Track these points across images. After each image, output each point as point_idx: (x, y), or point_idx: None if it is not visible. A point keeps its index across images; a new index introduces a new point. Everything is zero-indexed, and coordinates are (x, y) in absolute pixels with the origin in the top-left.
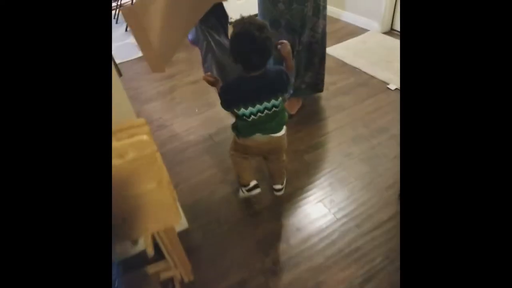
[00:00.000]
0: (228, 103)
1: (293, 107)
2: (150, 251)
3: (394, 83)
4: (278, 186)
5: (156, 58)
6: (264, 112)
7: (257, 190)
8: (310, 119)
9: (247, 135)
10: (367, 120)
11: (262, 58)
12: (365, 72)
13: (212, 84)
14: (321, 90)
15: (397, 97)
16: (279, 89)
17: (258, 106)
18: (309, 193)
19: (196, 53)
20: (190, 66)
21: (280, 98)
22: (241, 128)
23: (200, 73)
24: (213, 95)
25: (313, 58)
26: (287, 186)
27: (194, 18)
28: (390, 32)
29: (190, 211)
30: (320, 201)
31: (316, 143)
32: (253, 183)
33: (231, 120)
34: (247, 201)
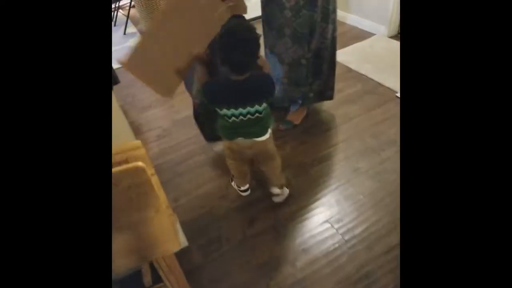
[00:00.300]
0: (211, 101)
1: (297, 116)
2: (148, 281)
3: None
4: (275, 190)
5: (162, 88)
6: (247, 117)
7: (246, 193)
8: (315, 129)
9: (229, 138)
10: (375, 131)
11: (247, 60)
12: (372, 79)
13: (202, 61)
14: (330, 98)
15: None
16: (264, 95)
17: (241, 110)
18: (315, 211)
19: None
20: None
21: (264, 104)
22: (223, 129)
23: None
24: None
25: (322, 64)
26: (291, 203)
27: (199, 43)
28: (397, 36)
29: (189, 228)
30: (326, 220)
31: (322, 156)
32: (243, 187)
33: None
34: (250, 219)
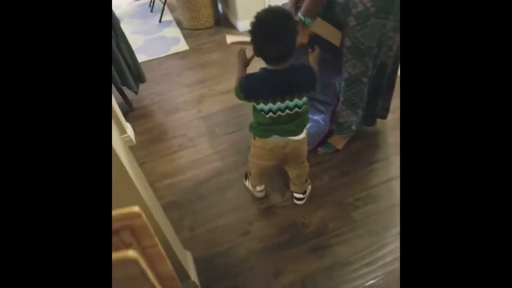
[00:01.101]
0: (248, 94)
1: (341, 140)
2: None
3: None
4: (298, 195)
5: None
6: (285, 112)
7: (261, 194)
8: (361, 158)
9: (264, 136)
10: None
11: (284, 51)
12: None
13: (242, 60)
14: (384, 117)
15: None
16: (305, 88)
17: (279, 104)
18: (356, 274)
19: (229, 55)
20: (223, 70)
21: (305, 98)
22: (258, 127)
23: (231, 81)
24: (244, 112)
25: (383, 80)
26: (326, 255)
27: None
28: None
29: (203, 269)
30: (370, 286)
31: (368, 196)
32: (259, 188)
33: None
34: (275, 271)
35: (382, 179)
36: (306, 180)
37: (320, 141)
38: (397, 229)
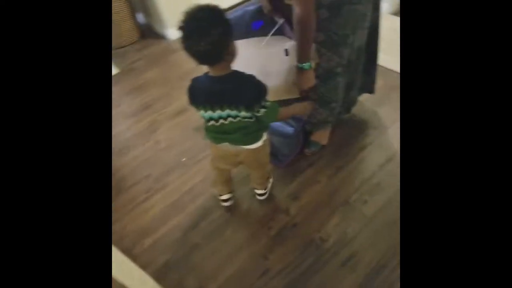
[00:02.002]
0: (190, 98)
1: (323, 135)
2: None
3: None
4: (259, 191)
5: None
6: (228, 120)
7: (227, 203)
8: (348, 149)
9: (215, 142)
10: None
11: (211, 48)
12: (392, 70)
13: None
14: (372, 92)
15: None
16: (242, 101)
17: (219, 112)
18: (393, 275)
19: (169, 68)
20: (168, 88)
21: (246, 112)
22: (206, 132)
23: (182, 98)
24: None
25: (361, 59)
26: (358, 268)
27: None
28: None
29: None
30: None
31: (371, 187)
32: (225, 196)
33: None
34: None
35: (376, 165)
36: (268, 178)
37: (295, 154)
38: None
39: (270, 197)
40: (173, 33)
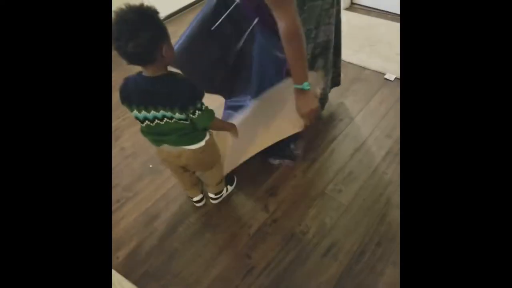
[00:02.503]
0: (121, 98)
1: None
2: None
3: (391, 71)
4: (211, 195)
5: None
6: (164, 121)
7: (200, 204)
8: (319, 140)
9: (155, 145)
10: (385, 126)
11: (139, 48)
12: (351, 63)
13: None
14: (339, 84)
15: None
16: (176, 103)
17: (154, 113)
18: (374, 258)
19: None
20: None
21: (180, 114)
22: (144, 134)
23: None
24: None
25: (328, 55)
26: (339, 256)
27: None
28: (351, 7)
29: None
30: None
31: (344, 175)
32: (196, 198)
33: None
34: None
35: (347, 154)
36: (221, 181)
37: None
38: (385, 197)
39: (248, 195)
40: None
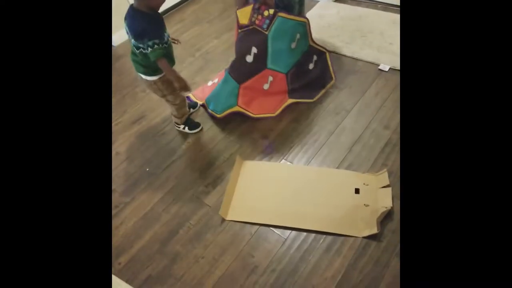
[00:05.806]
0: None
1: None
2: None
3: (385, 62)
4: (174, 119)
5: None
6: (134, 49)
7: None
8: (314, 136)
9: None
10: (382, 117)
11: None
12: (344, 55)
13: None
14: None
15: (395, 79)
16: (130, 35)
17: (132, 40)
18: None
19: (120, 76)
20: (120, 96)
21: (134, 41)
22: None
23: (143, 104)
24: (173, 135)
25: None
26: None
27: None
28: None
29: None
30: None
31: (346, 168)
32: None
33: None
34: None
35: (345, 148)
36: (181, 117)
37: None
38: None
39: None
40: (117, 39)
